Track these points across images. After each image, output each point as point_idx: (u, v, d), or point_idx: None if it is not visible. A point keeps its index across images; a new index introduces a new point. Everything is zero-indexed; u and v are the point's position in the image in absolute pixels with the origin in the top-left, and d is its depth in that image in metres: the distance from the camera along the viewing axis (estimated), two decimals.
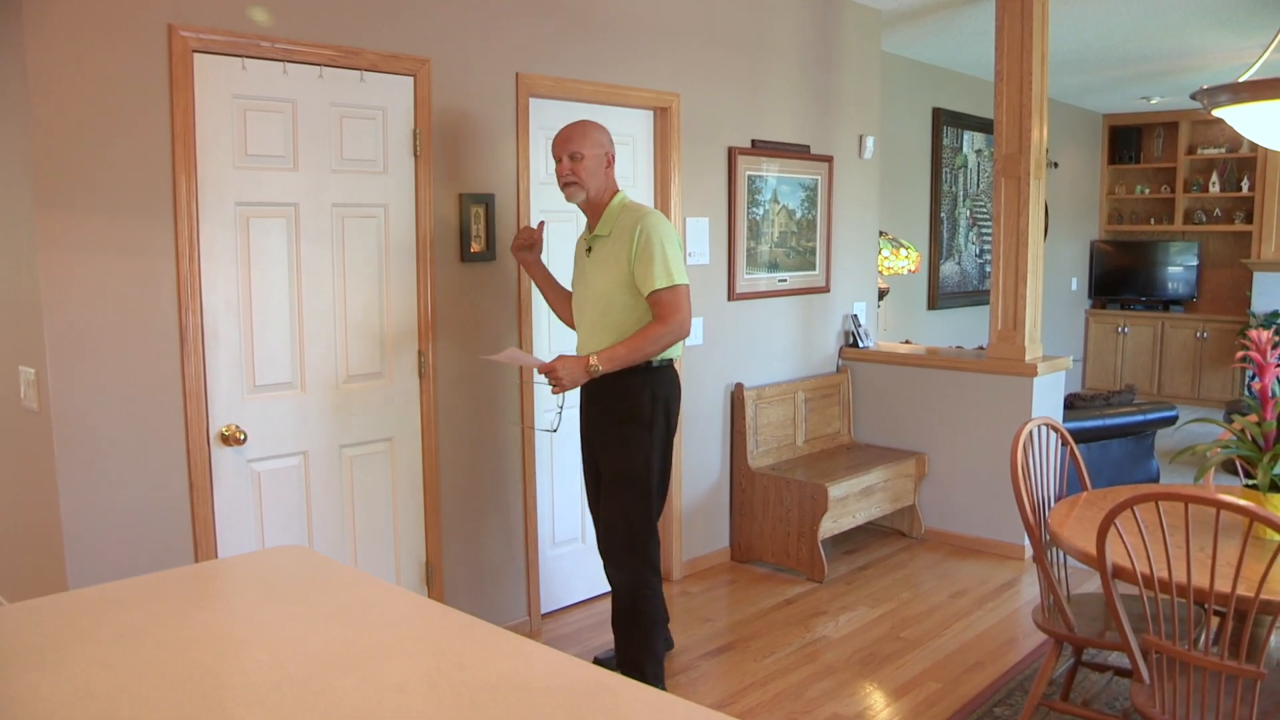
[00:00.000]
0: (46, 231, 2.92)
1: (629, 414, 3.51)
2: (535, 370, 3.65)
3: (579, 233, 4.17)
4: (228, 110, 3.29)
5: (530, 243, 3.77)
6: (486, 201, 4.01)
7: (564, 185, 3.54)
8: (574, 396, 3.82)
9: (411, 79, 3.74)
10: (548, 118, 4.27)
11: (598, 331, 3.54)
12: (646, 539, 3.54)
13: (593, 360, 3.38)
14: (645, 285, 3.42)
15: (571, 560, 4.59)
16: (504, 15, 4.02)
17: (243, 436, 3.37)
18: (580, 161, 3.51)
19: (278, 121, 3.41)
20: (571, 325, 3.84)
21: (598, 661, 3.86)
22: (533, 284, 4.08)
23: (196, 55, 3.18)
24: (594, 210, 3.61)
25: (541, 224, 3.82)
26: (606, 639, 4.22)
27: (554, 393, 3.46)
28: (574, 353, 3.67)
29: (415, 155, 3.78)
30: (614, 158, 3.61)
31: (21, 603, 1.93)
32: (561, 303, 3.88)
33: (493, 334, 4.10)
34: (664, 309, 3.42)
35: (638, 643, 3.58)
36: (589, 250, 3.61)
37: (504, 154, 4.08)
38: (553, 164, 4.27)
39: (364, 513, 3.76)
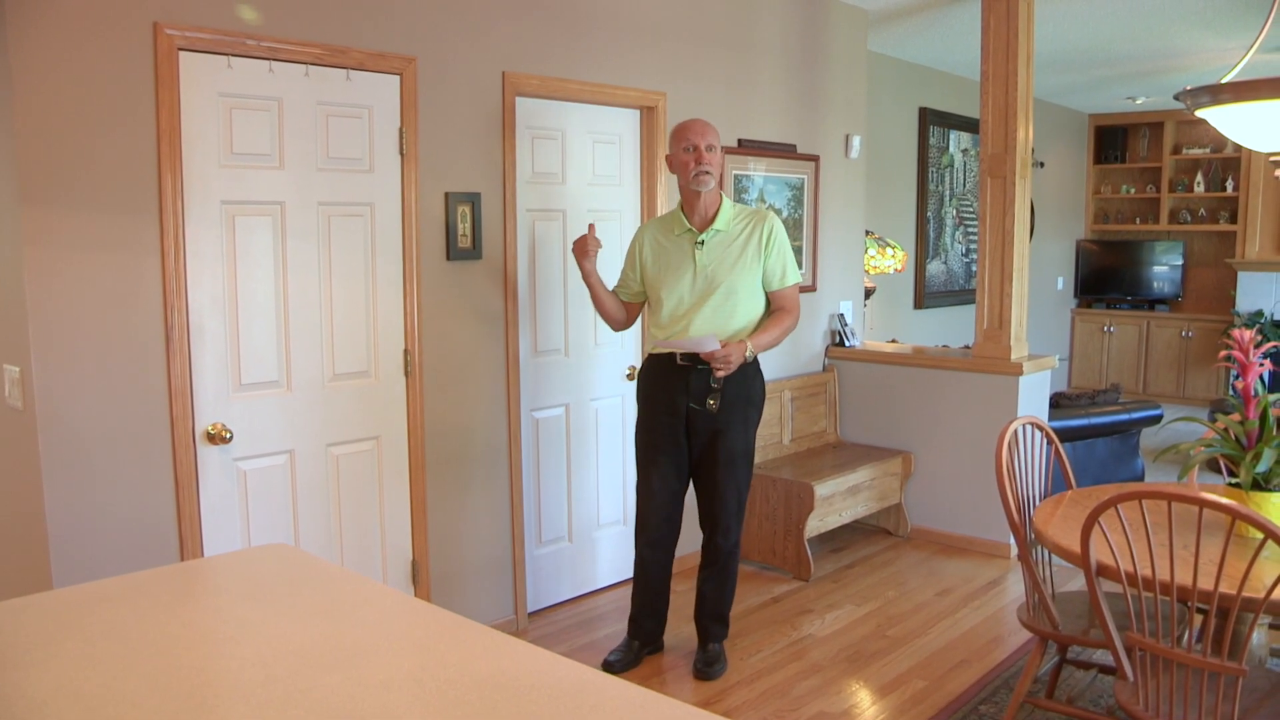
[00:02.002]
0: (31, 228, 2.91)
1: (749, 398, 3.79)
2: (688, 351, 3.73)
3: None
4: (213, 108, 3.28)
5: (595, 250, 3.82)
6: (473, 200, 4.00)
7: (700, 174, 3.67)
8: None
9: (398, 78, 3.73)
10: (534, 117, 4.27)
11: (718, 318, 3.69)
12: (745, 507, 3.90)
13: (749, 347, 3.64)
14: (779, 281, 3.76)
15: (558, 559, 4.59)
16: (491, 14, 4.02)
17: (229, 435, 3.36)
18: (714, 153, 3.71)
19: (263, 120, 3.40)
20: (616, 324, 3.98)
21: (609, 666, 3.86)
22: (529, 285, 4.22)
23: (182, 53, 3.17)
24: (709, 206, 3.75)
25: (593, 226, 3.88)
26: (593, 637, 4.22)
27: (719, 374, 3.62)
28: (637, 342, 3.91)
29: (401, 154, 3.77)
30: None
31: (6, 601, 1.92)
32: (611, 304, 3.92)
33: (479, 332, 4.10)
34: (791, 302, 3.79)
35: (729, 597, 3.95)
36: (700, 243, 3.71)
37: (490, 153, 4.07)
38: (541, 163, 4.30)
39: (350, 511, 3.75)
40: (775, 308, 3.78)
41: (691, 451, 3.81)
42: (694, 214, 3.76)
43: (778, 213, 5.49)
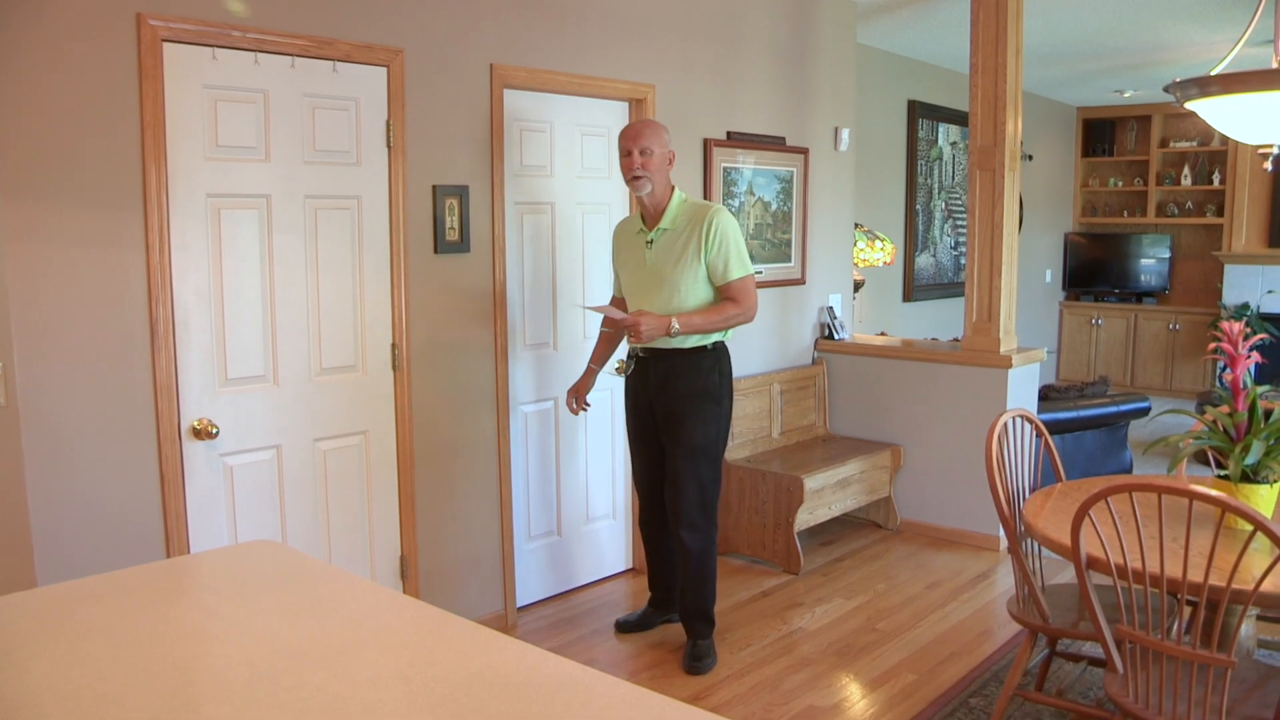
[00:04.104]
0: (12, 223, 2.88)
1: (702, 390, 3.79)
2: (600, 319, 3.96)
3: (610, 225, 4.37)
4: (198, 100, 3.25)
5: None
6: (461, 193, 3.98)
7: (633, 179, 3.73)
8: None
9: (385, 70, 3.71)
10: (522, 109, 4.25)
11: (669, 313, 3.74)
12: (715, 503, 3.91)
13: (674, 322, 3.65)
14: (722, 276, 3.74)
15: (547, 554, 4.58)
16: (478, 6, 3.99)
17: (215, 430, 3.34)
18: (650, 157, 3.72)
19: (249, 112, 3.38)
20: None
21: (620, 625, 4.22)
22: (517, 278, 4.31)
23: (166, 45, 3.14)
24: (655, 205, 3.80)
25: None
26: (582, 632, 4.22)
27: (633, 343, 3.78)
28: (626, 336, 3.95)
29: (389, 146, 3.75)
30: (675, 157, 3.86)
31: None
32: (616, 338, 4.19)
33: (467, 326, 4.08)
34: (738, 294, 3.77)
35: (707, 594, 3.92)
36: (650, 243, 3.80)
37: (478, 145, 4.05)
38: (529, 155, 4.28)
39: (338, 507, 3.73)
40: (723, 299, 3.79)
41: (662, 442, 3.92)
42: (646, 213, 3.85)
43: (765, 205, 5.49)
